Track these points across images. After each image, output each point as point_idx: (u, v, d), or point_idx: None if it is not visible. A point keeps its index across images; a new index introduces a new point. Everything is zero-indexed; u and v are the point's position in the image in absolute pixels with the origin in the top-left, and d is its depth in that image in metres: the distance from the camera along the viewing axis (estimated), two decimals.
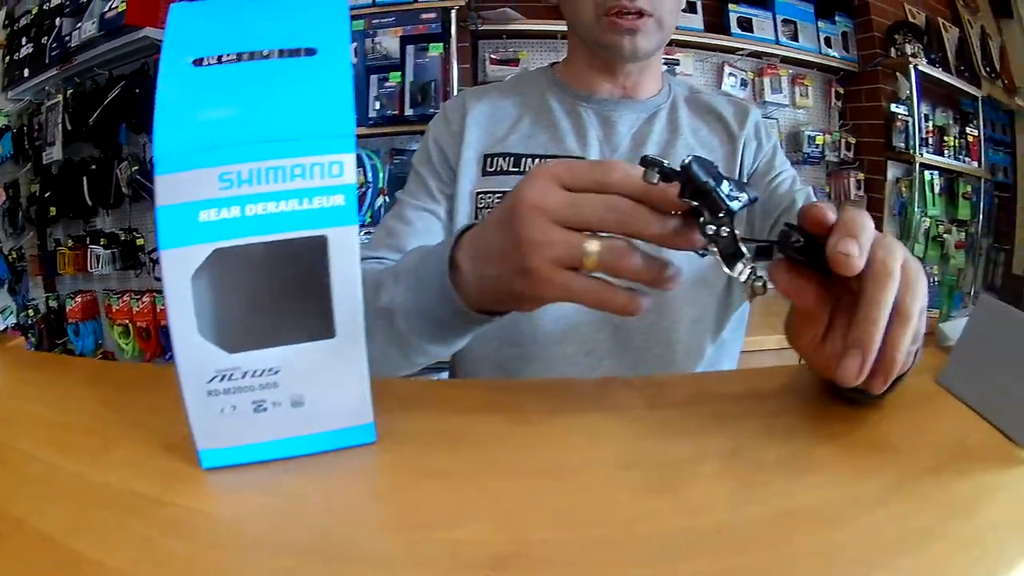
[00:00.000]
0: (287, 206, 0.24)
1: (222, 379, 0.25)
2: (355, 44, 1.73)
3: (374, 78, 1.71)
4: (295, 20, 0.27)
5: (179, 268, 0.24)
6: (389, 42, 1.70)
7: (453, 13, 1.67)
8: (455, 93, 1.66)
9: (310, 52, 0.26)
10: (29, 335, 2.30)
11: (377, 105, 1.68)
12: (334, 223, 0.25)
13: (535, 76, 0.68)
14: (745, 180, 0.63)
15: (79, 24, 2.21)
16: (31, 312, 2.34)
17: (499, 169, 0.60)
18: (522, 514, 0.23)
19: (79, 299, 2.13)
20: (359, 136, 1.74)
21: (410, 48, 1.71)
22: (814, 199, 0.61)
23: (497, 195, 0.59)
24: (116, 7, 2.09)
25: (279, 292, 0.27)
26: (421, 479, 0.26)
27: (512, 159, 0.61)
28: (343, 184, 0.25)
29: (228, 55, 0.26)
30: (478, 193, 0.60)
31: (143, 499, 0.23)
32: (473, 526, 0.22)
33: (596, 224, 0.29)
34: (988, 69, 2.54)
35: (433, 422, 0.30)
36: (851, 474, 0.29)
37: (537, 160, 0.60)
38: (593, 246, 0.29)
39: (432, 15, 1.69)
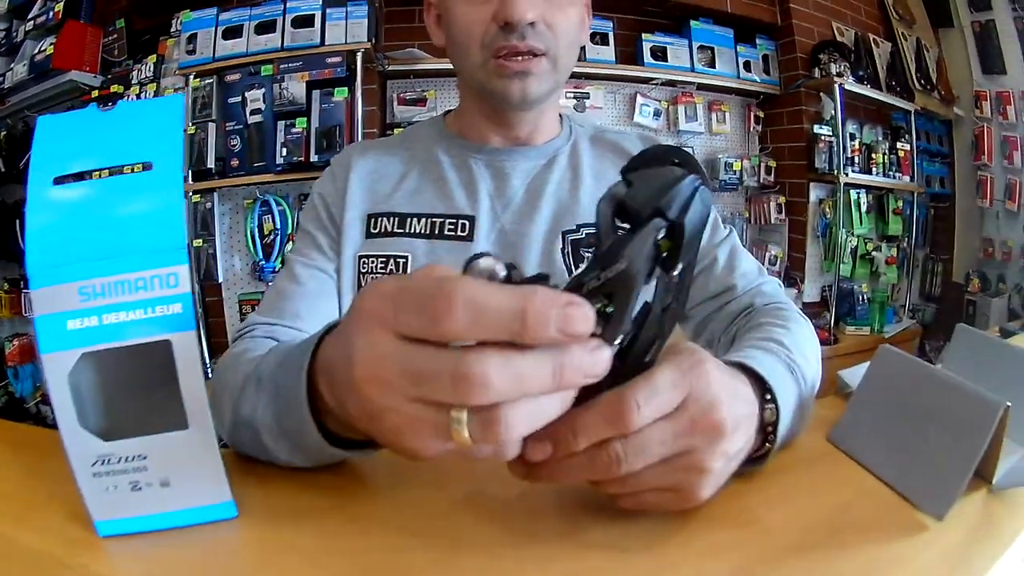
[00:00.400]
0: (135, 315, 0.28)
1: (103, 463, 0.29)
2: (263, 90, 1.75)
3: (281, 124, 1.73)
4: (137, 134, 0.30)
5: (57, 369, 0.28)
6: (296, 87, 1.72)
7: (359, 56, 1.69)
8: (359, 138, 1.68)
9: (148, 167, 0.29)
10: None
11: (284, 152, 1.70)
12: (175, 329, 0.28)
13: (424, 128, 0.64)
14: None
15: (12, 65, 2.23)
16: None
17: (383, 230, 0.57)
18: None
19: (16, 342, 2.15)
20: (268, 183, 1.76)
21: (316, 93, 1.72)
22: (739, 251, 0.58)
23: (380, 259, 0.56)
24: (44, 50, 2.11)
25: (140, 388, 0.31)
26: (267, 553, 0.29)
27: (396, 219, 0.57)
28: (180, 293, 0.28)
29: (81, 171, 0.29)
30: (361, 257, 0.56)
31: (55, 561, 0.28)
32: None
33: (452, 403, 0.22)
34: (923, 81, 2.55)
35: (290, 498, 0.33)
36: (696, 556, 0.26)
37: (424, 220, 0.57)
38: (460, 417, 0.22)
39: (338, 59, 1.71)
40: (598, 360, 0.22)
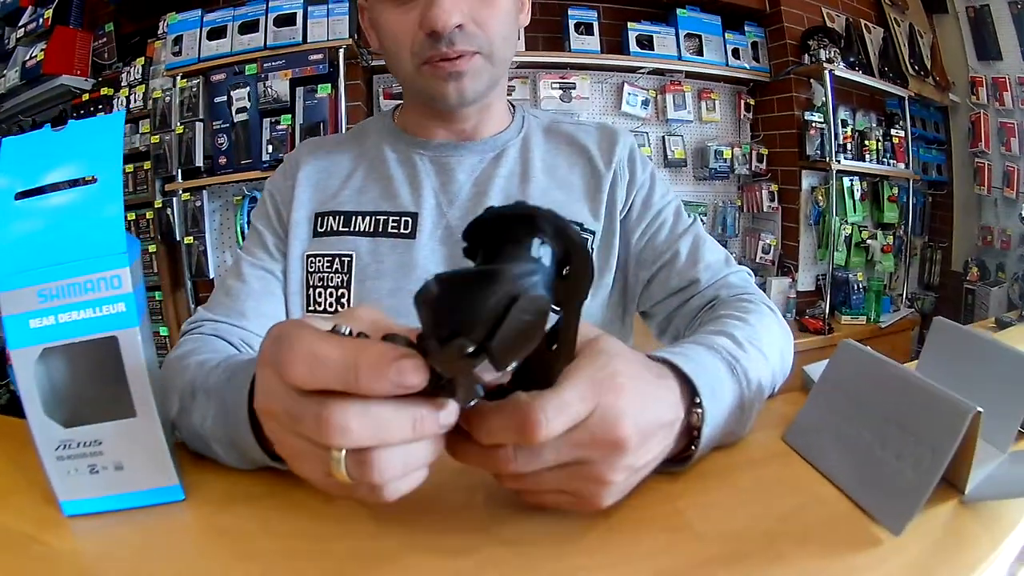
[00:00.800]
0: (86, 314, 0.31)
1: (64, 448, 0.32)
2: (248, 89, 1.76)
3: (266, 122, 1.73)
4: (84, 150, 0.33)
5: (23, 363, 0.31)
6: (279, 85, 1.72)
7: (340, 52, 1.69)
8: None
9: (94, 180, 0.32)
10: None
11: (269, 148, 1.71)
12: (120, 326, 0.31)
13: (375, 123, 0.63)
14: (618, 219, 0.57)
15: (5, 72, 2.25)
16: None
17: (329, 229, 0.57)
18: (262, 569, 0.28)
19: None
20: (255, 180, 1.77)
21: (300, 90, 1.73)
22: (703, 242, 0.56)
23: (326, 258, 0.56)
24: (35, 56, 2.13)
25: (95, 380, 0.34)
26: (204, 534, 0.32)
27: (342, 218, 0.57)
28: (123, 293, 0.31)
29: (39, 186, 0.32)
30: (308, 256, 0.57)
31: (25, 537, 0.31)
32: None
33: (319, 443, 0.24)
34: (916, 67, 2.52)
35: (234, 484, 0.35)
36: (611, 560, 0.25)
37: (368, 218, 0.57)
38: (338, 456, 0.23)
39: (319, 56, 1.71)
40: (451, 414, 0.24)
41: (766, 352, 0.40)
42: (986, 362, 0.33)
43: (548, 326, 0.22)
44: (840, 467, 0.30)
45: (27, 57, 2.17)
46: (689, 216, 0.59)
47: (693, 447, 0.32)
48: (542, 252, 0.20)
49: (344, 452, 0.23)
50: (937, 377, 0.29)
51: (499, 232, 0.21)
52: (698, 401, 0.32)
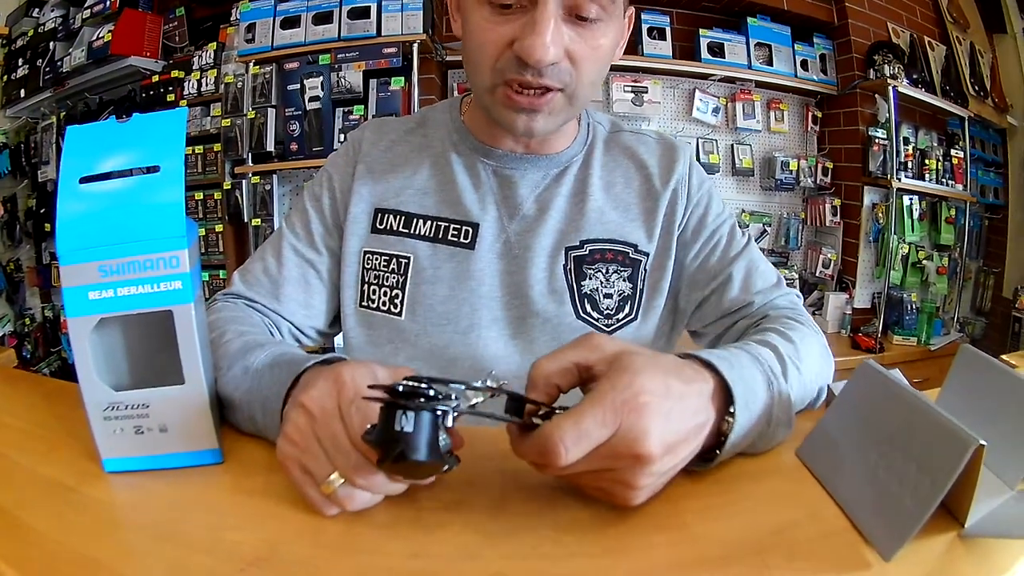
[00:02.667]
0: (144, 289, 0.33)
1: (112, 409, 0.34)
2: (322, 78, 1.76)
3: (339, 111, 1.73)
4: (147, 140, 0.35)
5: (80, 330, 0.33)
6: (353, 76, 1.73)
7: (414, 47, 1.69)
8: None
9: (155, 169, 0.34)
10: (26, 342, 2.39)
11: (341, 138, 1.71)
12: (176, 301, 0.33)
13: (440, 115, 0.60)
14: (675, 237, 0.57)
15: (70, 50, 2.28)
16: (27, 321, 2.44)
17: (389, 228, 0.56)
18: (286, 529, 0.31)
19: None
20: None
21: (373, 82, 1.73)
22: (756, 267, 0.55)
23: (384, 257, 0.55)
24: (102, 37, 2.15)
25: (147, 348, 0.36)
26: (236, 494, 0.34)
27: (403, 218, 0.56)
28: (180, 272, 0.33)
29: (102, 173, 0.34)
30: (366, 252, 0.56)
31: (65, 488, 0.33)
32: (251, 533, 0.30)
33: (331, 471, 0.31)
34: (977, 87, 2.48)
35: (270, 453, 0.37)
36: (595, 551, 0.26)
37: (429, 223, 0.55)
38: (334, 480, 0.30)
39: (393, 49, 1.71)
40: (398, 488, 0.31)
41: (804, 372, 0.42)
42: (1006, 396, 0.33)
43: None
44: (843, 486, 0.30)
45: (93, 37, 2.20)
46: (743, 235, 0.58)
47: (718, 450, 0.34)
48: (404, 422, 0.27)
49: (340, 482, 0.30)
50: (957, 406, 0.29)
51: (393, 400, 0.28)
52: (732, 410, 0.33)
